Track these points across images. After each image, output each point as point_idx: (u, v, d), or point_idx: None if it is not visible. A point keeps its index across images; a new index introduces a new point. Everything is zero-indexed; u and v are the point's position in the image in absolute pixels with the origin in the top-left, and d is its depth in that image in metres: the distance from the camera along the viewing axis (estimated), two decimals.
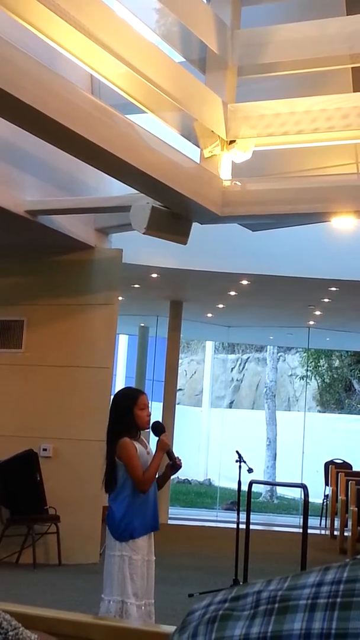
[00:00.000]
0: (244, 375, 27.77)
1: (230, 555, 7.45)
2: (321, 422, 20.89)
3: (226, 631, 0.67)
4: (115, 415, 4.73)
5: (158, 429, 4.78)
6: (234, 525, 7.60)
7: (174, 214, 6.79)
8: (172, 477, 5.33)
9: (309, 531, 6.93)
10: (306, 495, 6.98)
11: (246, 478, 7.35)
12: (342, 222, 8.15)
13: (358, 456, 14.52)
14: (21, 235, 7.91)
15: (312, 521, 9.66)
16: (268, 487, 18.10)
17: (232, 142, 6.78)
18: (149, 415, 4.72)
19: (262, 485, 17.40)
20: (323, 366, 25.58)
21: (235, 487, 7.72)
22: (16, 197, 7.11)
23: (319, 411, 25.31)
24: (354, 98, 6.52)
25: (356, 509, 9.73)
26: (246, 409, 26.29)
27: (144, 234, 6.68)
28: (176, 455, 4.77)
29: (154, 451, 4.70)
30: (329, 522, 12.07)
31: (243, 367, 27.87)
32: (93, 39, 5.22)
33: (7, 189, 7.01)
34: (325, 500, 13.39)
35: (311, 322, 14.42)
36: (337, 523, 11.06)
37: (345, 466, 13.58)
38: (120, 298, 9.60)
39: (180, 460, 4.74)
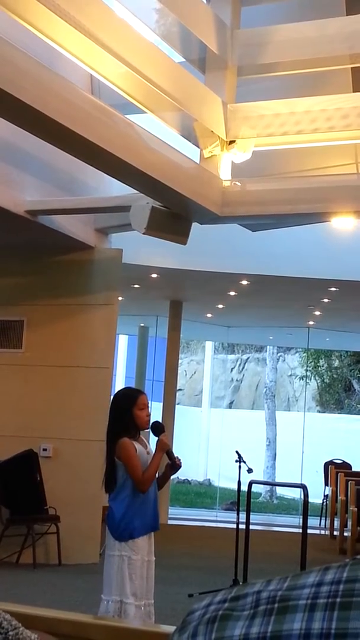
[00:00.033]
0: (243, 375, 27.77)
1: (230, 555, 7.45)
2: (321, 422, 20.89)
3: (226, 631, 0.67)
4: (114, 415, 4.73)
5: (158, 429, 4.78)
6: (234, 526, 7.60)
7: (174, 214, 6.79)
8: (171, 477, 5.33)
9: (309, 531, 6.93)
10: (306, 495, 6.98)
11: (246, 478, 7.35)
12: (342, 222, 8.15)
13: (358, 456, 14.52)
14: (21, 235, 7.91)
15: (312, 521, 9.67)
16: (268, 487, 18.10)
17: (232, 142, 6.77)
18: (149, 415, 4.72)
19: (261, 486, 17.41)
20: (323, 366, 25.58)
21: (235, 487, 7.72)
22: (16, 197, 7.11)
23: (319, 411, 25.31)
24: (354, 98, 6.52)
25: (356, 509, 9.73)
26: (246, 409, 26.29)
27: (143, 234, 6.68)
28: (176, 455, 4.77)
29: (153, 451, 4.71)
30: (328, 522, 12.07)
31: (243, 368, 27.88)
32: (93, 39, 5.22)
33: (7, 189, 7.01)
34: (324, 501, 13.39)
35: (311, 322, 14.41)
36: (336, 523, 11.06)
37: (344, 466, 13.58)
38: (120, 298, 9.60)
39: (179, 460, 4.74)
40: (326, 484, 13.51)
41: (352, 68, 6.90)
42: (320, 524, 12.98)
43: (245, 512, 7.28)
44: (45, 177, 7.56)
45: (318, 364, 25.24)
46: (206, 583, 7.24)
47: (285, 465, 17.73)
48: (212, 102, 6.63)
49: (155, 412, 9.38)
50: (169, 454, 4.71)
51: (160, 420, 5.29)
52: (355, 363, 25.37)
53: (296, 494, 16.04)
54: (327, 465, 13.93)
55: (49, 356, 8.56)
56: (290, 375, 26.55)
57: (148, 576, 4.70)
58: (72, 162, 6.47)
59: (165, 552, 7.30)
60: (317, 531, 11.97)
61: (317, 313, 13.18)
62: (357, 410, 25.34)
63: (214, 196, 6.73)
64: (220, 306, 13.21)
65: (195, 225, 7.10)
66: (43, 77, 4.95)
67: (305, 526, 6.80)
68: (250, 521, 7.41)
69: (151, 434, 4.87)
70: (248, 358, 27.74)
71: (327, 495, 13.15)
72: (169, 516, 12.07)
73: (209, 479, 20.32)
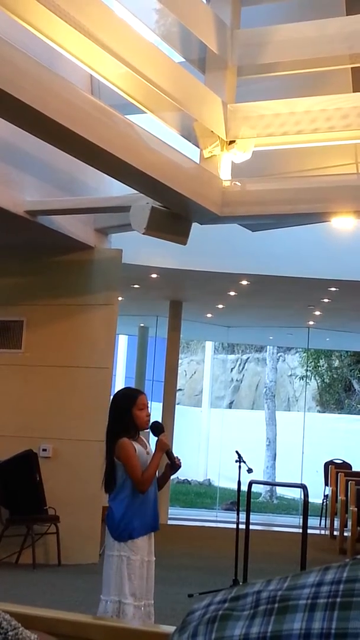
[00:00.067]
0: (243, 375, 27.77)
1: (230, 555, 7.45)
2: (321, 422, 20.89)
3: (226, 631, 0.67)
4: (114, 416, 4.73)
5: (157, 429, 4.78)
6: (234, 526, 7.60)
7: (174, 214, 6.79)
8: (171, 477, 5.33)
9: (309, 531, 6.93)
10: (306, 495, 6.98)
11: (246, 478, 7.35)
12: (342, 222, 8.15)
13: (358, 456, 14.53)
14: (21, 236, 7.91)
15: (312, 521, 9.66)
16: (268, 487, 18.10)
17: (231, 142, 6.78)
18: (148, 415, 4.72)
19: (261, 486, 17.41)
20: (323, 366, 25.58)
21: (235, 487, 7.72)
22: (16, 197, 7.11)
23: (319, 411, 25.31)
24: (354, 98, 6.52)
25: (356, 509, 9.73)
26: (246, 409, 26.28)
27: (143, 234, 6.68)
28: (175, 455, 4.77)
29: (153, 451, 4.70)
30: (328, 522, 12.08)
31: (243, 368, 27.88)
32: (93, 39, 5.22)
33: (7, 189, 7.01)
34: (325, 501, 13.39)
35: (311, 322, 14.42)
36: (336, 523, 11.07)
37: (345, 466, 13.58)
38: (120, 298, 9.60)
39: (179, 460, 4.74)
40: (326, 484, 13.51)
41: (352, 68, 6.90)
42: (320, 524, 12.99)
43: (245, 512, 7.27)
44: (45, 177, 7.56)
45: (318, 364, 25.24)
46: (206, 583, 7.24)
47: (285, 465, 17.74)
48: (212, 102, 6.63)
49: (155, 412, 9.38)
50: (169, 454, 4.71)
51: (160, 421, 5.29)
52: (355, 363, 25.37)
53: (296, 494, 16.04)
54: (327, 465, 13.93)
55: (49, 356, 8.56)
56: (290, 375, 26.55)
57: (148, 576, 4.69)
58: (72, 162, 6.47)
59: (165, 552, 7.30)
60: (317, 531, 11.97)
61: (317, 313, 13.18)
62: (357, 410, 25.34)
63: (214, 196, 6.73)
64: (220, 306, 13.21)
65: (195, 225, 7.10)
66: (43, 77, 4.95)
67: (305, 526, 6.80)
68: (250, 521, 7.41)
69: (151, 434, 4.87)
70: (248, 358, 27.74)
71: (327, 495, 13.15)
72: (169, 516, 12.07)
73: (209, 479, 20.33)
